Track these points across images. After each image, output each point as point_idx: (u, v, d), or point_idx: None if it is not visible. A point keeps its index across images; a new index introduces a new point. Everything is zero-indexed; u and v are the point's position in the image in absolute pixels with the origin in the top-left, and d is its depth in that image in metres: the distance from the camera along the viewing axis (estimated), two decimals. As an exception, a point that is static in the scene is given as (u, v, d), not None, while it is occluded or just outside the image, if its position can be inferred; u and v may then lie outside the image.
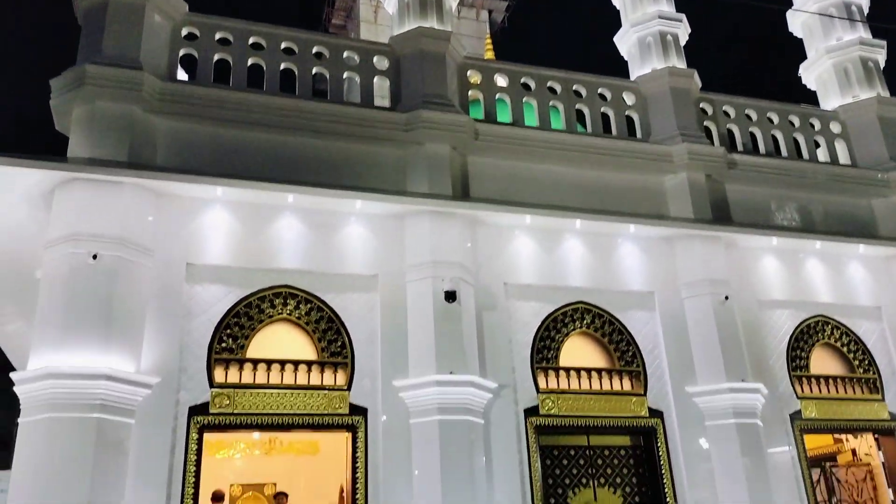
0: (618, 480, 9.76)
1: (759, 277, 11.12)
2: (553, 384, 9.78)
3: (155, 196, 8.73)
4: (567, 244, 10.40)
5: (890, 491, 10.82)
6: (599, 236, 10.51)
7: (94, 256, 7.99)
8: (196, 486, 8.01)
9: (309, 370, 8.85)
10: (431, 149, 9.83)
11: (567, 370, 9.91)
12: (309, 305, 9.12)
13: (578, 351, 10.11)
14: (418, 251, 9.39)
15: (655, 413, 9.92)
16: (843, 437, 11.90)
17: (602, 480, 9.69)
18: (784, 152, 12.21)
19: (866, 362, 11.23)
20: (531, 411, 9.41)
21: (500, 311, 9.70)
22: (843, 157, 12.65)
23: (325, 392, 8.74)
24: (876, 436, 11.01)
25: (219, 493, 9.68)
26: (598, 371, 10.04)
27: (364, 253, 9.45)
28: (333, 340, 9.06)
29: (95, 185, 8.30)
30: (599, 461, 9.78)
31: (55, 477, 7.21)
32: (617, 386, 10.03)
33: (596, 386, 9.93)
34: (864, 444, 11.55)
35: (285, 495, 9.61)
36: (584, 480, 9.62)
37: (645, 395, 10.00)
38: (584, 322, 10.21)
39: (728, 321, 10.21)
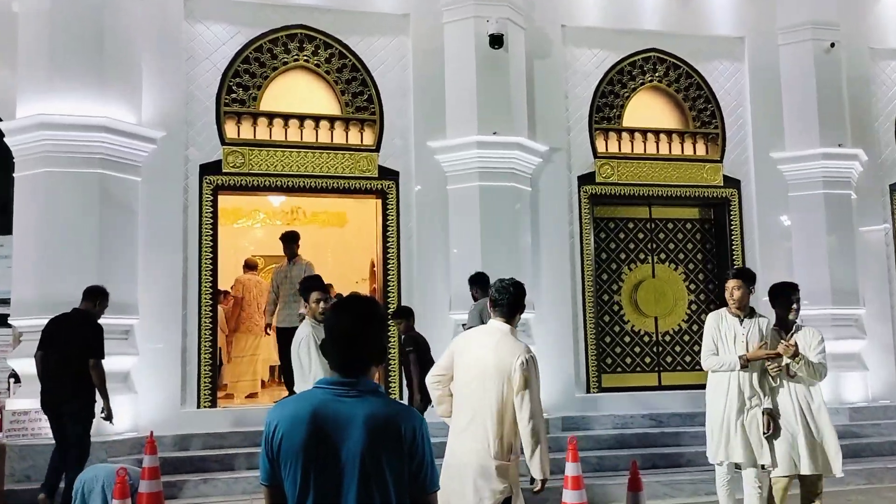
0: (680, 256, 9.85)
1: (876, 20, 10.30)
2: (614, 147, 9.54)
3: None
4: (640, -22, 9.57)
5: None
6: (682, -33, 9.62)
7: None
8: (214, 250, 8.24)
9: (332, 127, 8.72)
10: None
11: (631, 131, 9.60)
12: (329, 51, 8.75)
13: (647, 109, 9.76)
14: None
15: (731, 182, 9.73)
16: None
17: (663, 256, 9.78)
18: None
19: None
20: (586, 178, 9.28)
21: (555, 60, 9.26)
22: None
23: (351, 153, 8.64)
24: None
25: (252, 262, 10.02)
26: (669, 133, 9.74)
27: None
28: (359, 93, 8.79)
29: None
30: (661, 235, 9.81)
31: (61, 237, 7.32)
32: (689, 150, 9.78)
33: (664, 150, 9.67)
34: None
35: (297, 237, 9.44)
36: (642, 255, 9.69)
37: (721, 161, 9.75)
38: (657, 74, 9.73)
39: (831, 74, 9.64)
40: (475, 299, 7.06)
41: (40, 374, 6.14)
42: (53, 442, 6.24)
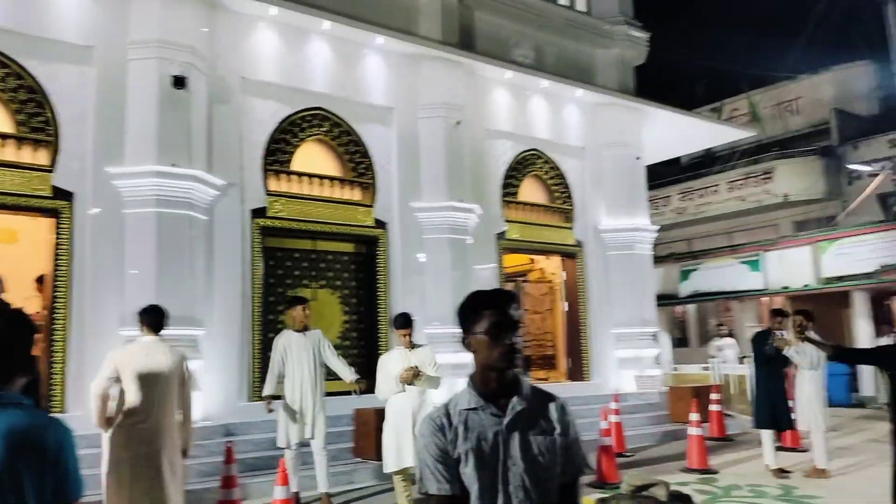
0: (338, 283, 11.06)
1: (490, 107, 12.74)
2: (284, 187, 10.43)
3: (208, 8, 9.19)
4: (313, 46, 10.83)
5: (565, 303, 13.75)
6: (347, 43, 11.07)
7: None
8: None
9: (2, 144, 8.51)
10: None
11: (299, 175, 10.59)
12: (5, 70, 8.57)
13: (313, 157, 10.80)
14: (145, 27, 9.13)
15: (380, 224, 11.14)
16: (536, 257, 14.49)
17: (323, 282, 10.89)
18: (531, -11, 13.43)
19: (565, 195, 13.65)
20: (258, 212, 10.04)
21: (234, 107, 9.97)
22: (582, 4, 14.36)
23: (24, 171, 8.53)
24: (562, 258, 13.70)
25: None
26: (331, 179, 10.89)
27: (79, 18, 9.02)
28: (35, 114, 8.73)
29: None
30: (322, 265, 10.92)
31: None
32: (347, 195, 11.02)
33: (327, 193, 10.80)
34: (552, 265, 14.28)
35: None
36: (305, 281, 10.70)
37: (373, 206, 11.11)
38: (322, 129, 10.85)
39: (456, 144, 11.70)
40: None
41: None
42: None
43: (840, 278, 17.47)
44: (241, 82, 10.06)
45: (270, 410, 7.33)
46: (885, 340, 14.45)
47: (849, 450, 10.41)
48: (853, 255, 17.18)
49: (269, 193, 10.18)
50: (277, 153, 10.38)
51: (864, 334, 17.21)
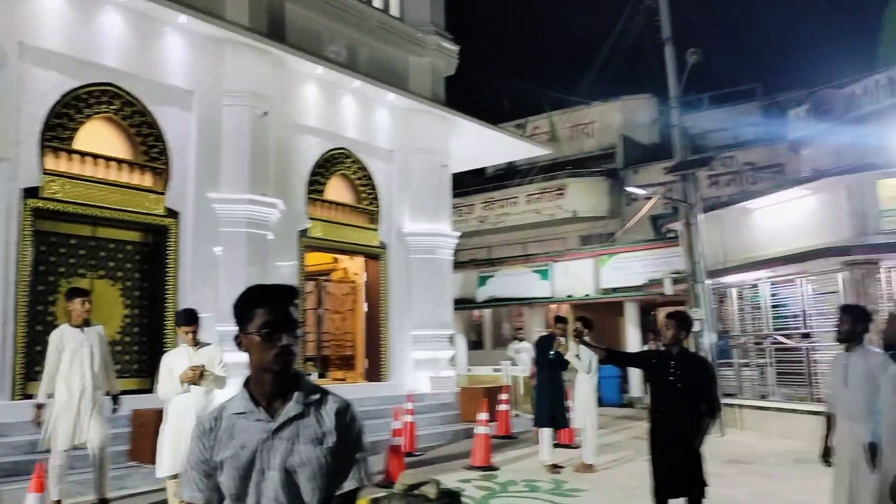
0: (119, 274, 10.38)
1: (299, 102, 12.56)
2: (63, 167, 9.66)
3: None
4: (105, 17, 10.08)
5: (365, 304, 13.88)
6: (145, 18, 10.41)
7: None
8: None
9: None
10: None
11: (82, 154, 9.86)
12: None
13: (99, 136, 10.09)
14: None
15: (172, 213, 10.62)
16: (339, 256, 14.49)
17: (102, 272, 10.18)
18: (346, -13, 13.42)
19: (371, 196, 13.79)
20: (31, 192, 9.24)
21: (9, 74, 9.07)
22: (395, 10, 14.60)
23: None
24: (366, 259, 13.82)
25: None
26: (118, 161, 10.23)
27: None
28: None
29: None
30: (103, 253, 10.21)
31: None
32: (136, 180, 10.40)
33: (113, 176, 10.13)
34: (355, 265, 14.37)
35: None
36: (81, 271, 9.95)
37: (164, 193, 10.58)
38: (112, 107, 10.17)
39: (262, 136, 11.39)
40: None
41: None
42: None
43: (615, 289, 19.28)
44: (19, 48, 9.13)
45: (39, 423, 6.70)
46: (648, 346, 16.07)
47: (614, 446, 11.46)
48: (627, 269, 19.04)
49: (46, 172, 9.38)
50: (58, 129, 9.57)
51: (633, 340, 19.10)
